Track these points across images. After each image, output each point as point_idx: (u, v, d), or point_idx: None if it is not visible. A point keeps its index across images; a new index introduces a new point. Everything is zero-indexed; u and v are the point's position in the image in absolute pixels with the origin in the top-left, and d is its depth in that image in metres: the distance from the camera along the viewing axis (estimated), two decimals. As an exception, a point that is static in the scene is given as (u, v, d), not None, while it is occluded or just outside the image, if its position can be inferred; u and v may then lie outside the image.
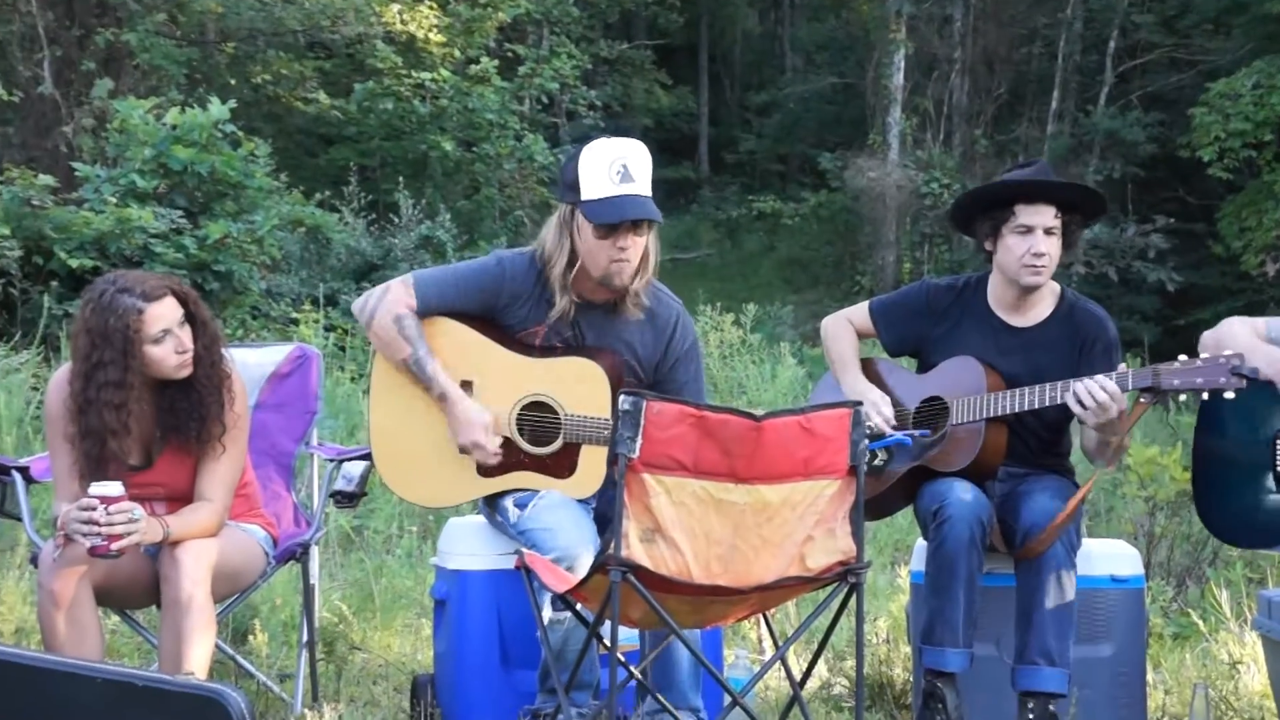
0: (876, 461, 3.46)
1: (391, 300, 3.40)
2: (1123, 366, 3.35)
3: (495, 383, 3.40)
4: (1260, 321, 3.48)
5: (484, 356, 3.41)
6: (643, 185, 3.29)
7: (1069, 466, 3.67)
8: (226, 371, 3.27)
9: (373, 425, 3.47)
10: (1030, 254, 3.49)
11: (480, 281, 3.43)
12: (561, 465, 3.36)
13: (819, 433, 2.76)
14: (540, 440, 3.38)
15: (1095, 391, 3.26)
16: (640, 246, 3.33)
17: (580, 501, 3.36)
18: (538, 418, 3.39)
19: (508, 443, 3.38)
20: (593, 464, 3.34)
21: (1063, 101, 18.40)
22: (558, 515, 3.25)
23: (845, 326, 3.73)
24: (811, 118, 21.57)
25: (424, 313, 3.40)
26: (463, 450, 3.37)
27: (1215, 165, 15.17)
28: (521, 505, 3.32)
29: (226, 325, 8.84)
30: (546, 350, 3.41)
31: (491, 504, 3.44)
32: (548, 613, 3.10)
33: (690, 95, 23.21)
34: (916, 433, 3.47)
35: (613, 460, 2.68)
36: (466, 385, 3.41)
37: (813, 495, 2.78)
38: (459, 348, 3.42)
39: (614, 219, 3.25)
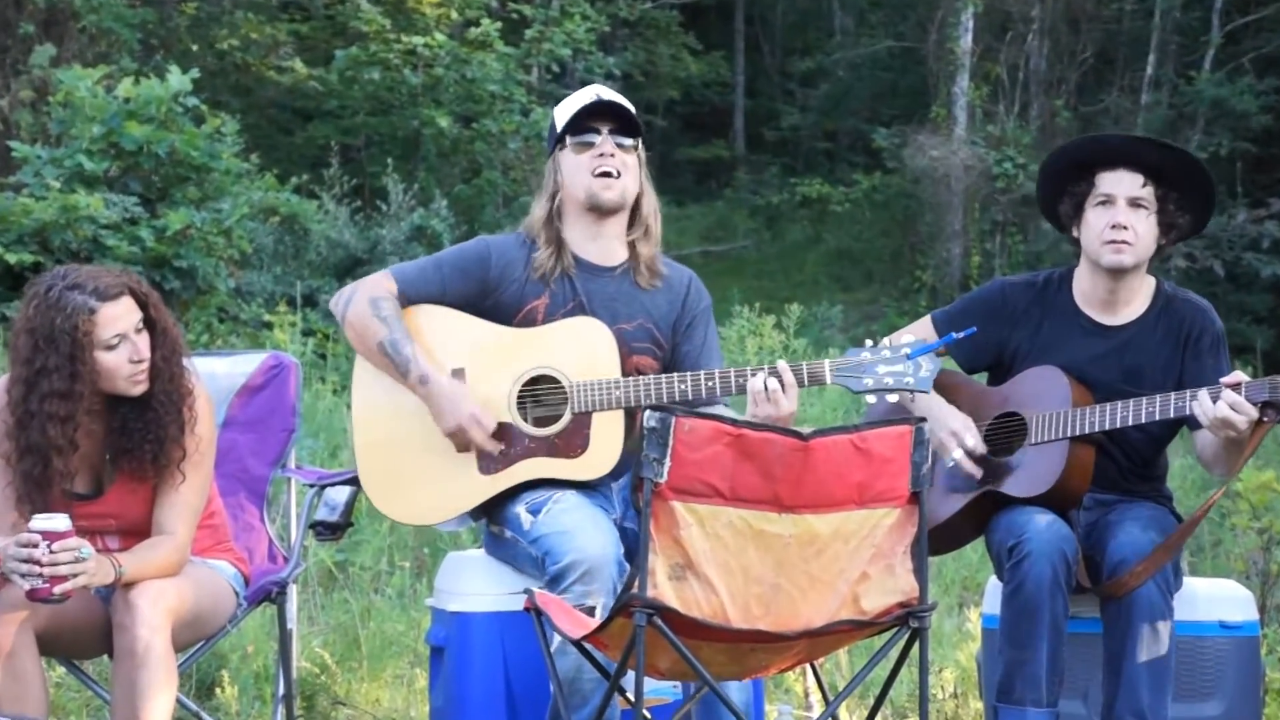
0: (923, 372, 3.28)
1: (368, 287, 3.53)
2: (1240, 375, 3.32)
3: (489, 364, 3.47)
4: None
5: (474, 338, 3.50)
6: (618, 101, 3.54)
7: (1166, 492, 3.66)
8: (189, 386, 3.29)
9: (356, 438, 3.53)
10: (1109, 226, 3.48)
11: (465, 263, 3.54)
12: (573, 444, 3.43)
13: (876, 454, 2.77)
14: (547, 419, 3.44)
15: (1217, 410, 3.23)
16: (627, 165, 3.52)
17: (603, 509, 3.41)
18: (541, 393, 3.45)
19: (511, 429, 3.44)
20: (607, 435, 3.42)
21: (1160, 66, 18.32)
22: (574, 517, 3.31)
23: None
24: (864, 87, 21.54)
25: (406, 301, 3.52)
26: (453, 435, 3.42)
27: (1340, 140, 15.07)
28: (535, 511, 3.37)
29: (189, 330, 8.89)
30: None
31: (498, 520, 3.47)
32: (556, 635, 3.11)
33: (724, 62, 23.21)
34: (963, 334, 3.43)
35: (637, 485, 2.69)
36: (458, 374, 3.47)
37: (868, 526, 2.78)
38: (447, 334, 3.51)
39: (585, 104, 3.50)
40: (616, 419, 3.42)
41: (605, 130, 3.53)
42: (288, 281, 10.96)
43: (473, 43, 14.56)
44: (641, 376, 3.43)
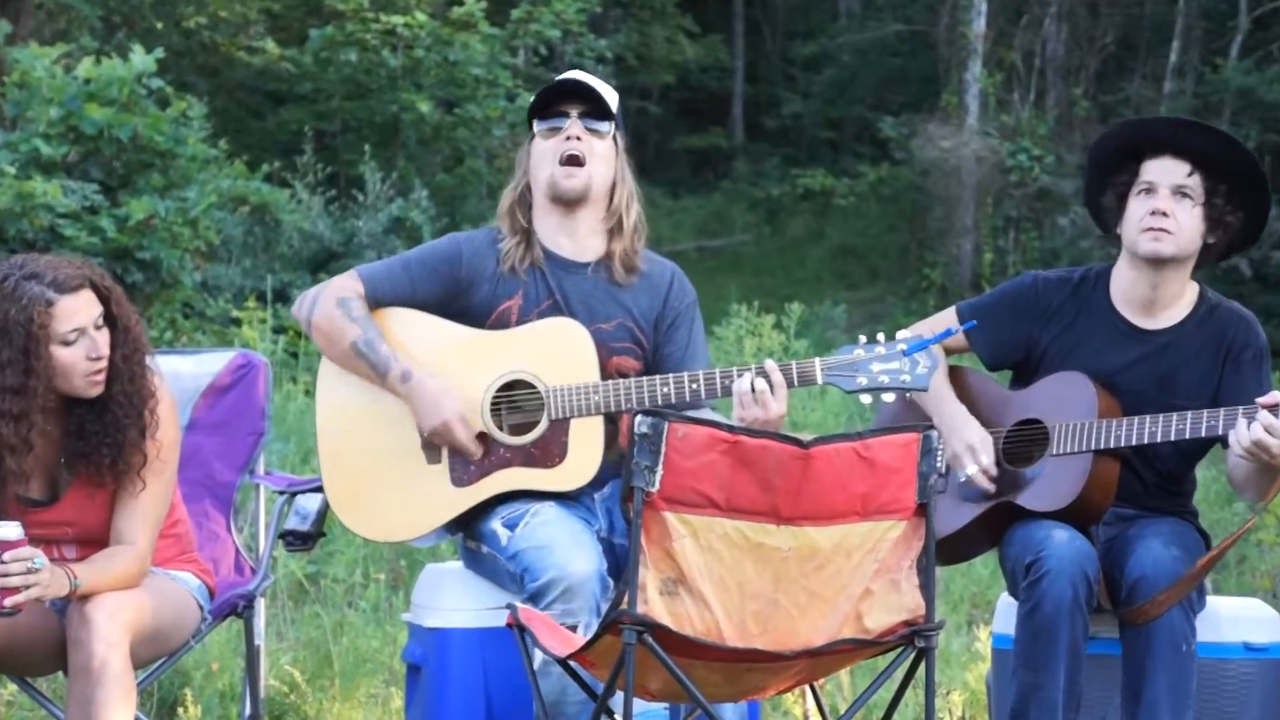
0: (921, 369, 3.27)
1: (334, 288, 3.52)
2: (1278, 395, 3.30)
3: (460, 369, 3.46)
4: None
5: (445, 342, 3.49)
6: (593, 84, 3.55)
7: (1192, 509, 3.66)
8: (150, 388, 3.28)
9: (321, 449, 3.52)
10: (1149, 213, 3.47)
11: (434, 261, 3.54)
12: (550, 452, 3.42)
13: (880, 463, 2.76)
14: (523, 427, 3.43)
15: (1259, 437, 3.23)
16: (596, 151, 3.51)
17: (584, 521, 3.41)
18: (516, 399, 3.44)
19: (484, 438, 3.44)
20: (586, 443, 3.41)
21: (1184, 53, 18.36)
22: (553, 531, 3.30)
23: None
24: (871, 74, 21.56)
25: (375, 304, 3.51)
26: (434, 435, 3.41)
27: (1374, 132, 15.10)
28: (512, 525, 3.36)
29: (153, 326, 8.88)
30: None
31: (475, 535, 3.47)
32: (538, 654, 3.11)
33: (722, 45, 23.24)
34: (963, 327, 3.41)
35: (627, 495, 2.69)
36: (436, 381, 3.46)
37: (872, 539, 2.78)
38: (416, 338, 3.50)
39: (554, 87, 3.51)
40: (596, 425, 3.41)
41: (574, 114, 3.52)
42: (258, 275, 10.96)
43: (456, 23, 14.56)
44: (621, 380, 3.41)
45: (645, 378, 3.41)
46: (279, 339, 9.25)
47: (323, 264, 11.72)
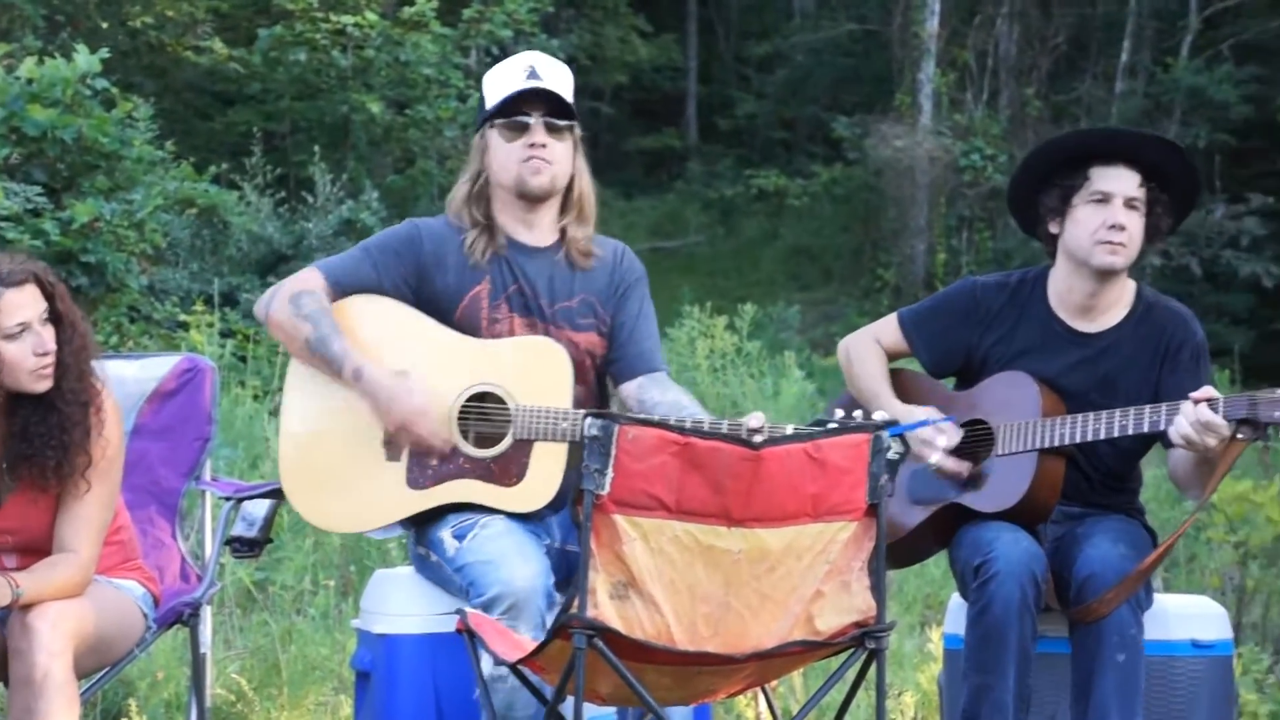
0: (891, 454, 3.36)
1: (290, 283, 3.51)
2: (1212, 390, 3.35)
3: (435, 371, 3.44)
4: None
5: (419, 338, 3.48)
6: (555, 86, 3.54)
7: (1138, 505, 3.70)
8: (96, 388, 3.26)
9: (282, 433, 3.51)
10: (1105, 226, 3.50)
11: (396, 245, 3.54)
12: (508, 470, 3.41)
13: (831, 464, 2.78)
14: (487, 440, 3.42)
15: (1190, 432, 3.26)
16: (559, 154, 3.53)
17: (534, 535, 3.40)
18: (485, 410, 3.43)
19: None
20: (545, 468, 3.40)
21: (1135, 53, 18.53)
22: (501, 545, 3.29)
23: (871, 346, 3.74)
24: (824, 73, 21.65)
25: (337, 291, 3.50)
26: (400, 431, 3.40)
27: (1323, 132, 15.26)
28: (460, 536, 3.35)
29: (98, 330, 8.81)
30: (496, 322, 3.50)
31: (425, 542, 3.46)
32: (487, 666, 3.11)
33: (676, 46, 23.27)
34: (938, 416, 3.46)
35: (577, 499, 2.69)
36: (402, 375, 3.44)
37: (823, 541, 2.79)
38: (386, 329, 3.49)
39: (516, 90, 3.49)
40: (559, 452, 3.39)
41: (537, 115, 3.52)
42: (205, 279, 10.88)
43: (407, 23, 14.51)
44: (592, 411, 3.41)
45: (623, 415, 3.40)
46: (227, 343, 9.20)
47: (272, 267, 11.65)
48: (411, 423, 3.38)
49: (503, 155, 3.53)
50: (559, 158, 3.54)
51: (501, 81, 3.57)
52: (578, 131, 3.60)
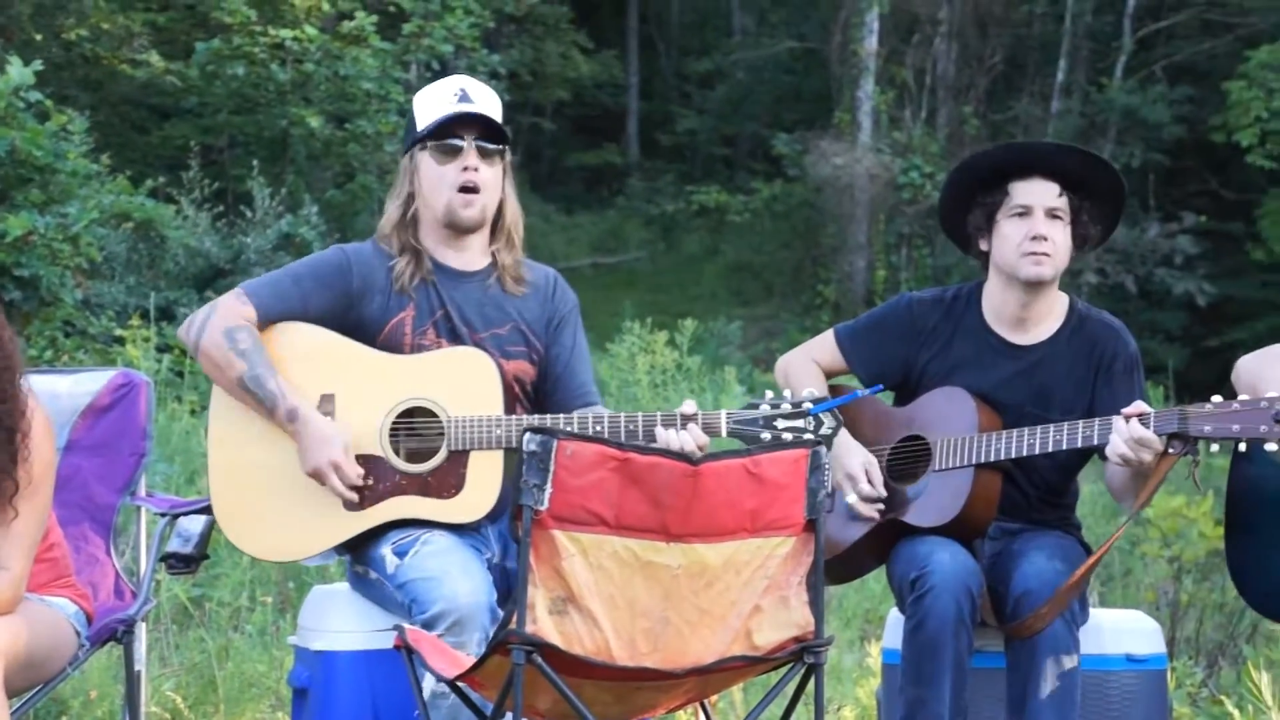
0: (824, 430, 3.36)
1: (222, 314, 3.47)
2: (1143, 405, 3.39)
3: (362, 391, 3.43)
4: None
5: (346, 361, 3.47)
6: (485, 110, 3.55)
7: (1074, 521, 3.73)
8: (22, 408, 3.21)
9: (211, 464, 3.47)
10: (1028, 238, 3.54)
11: (325, 274, 3.52)
12: (446, 483, 3.40)
13: (769, 479, 2.79)
14: (421, 455, 3.41)
15: (1123, 448, 3.30)
16: (490, 180, 3.53)
17: (475, 550, 3.39)
18: (416, 426, 3.42)
19: (380, 463, 3.41)
20: (483, 476, 3.39)
21: (1071, 73, 18.75)
22: (443, 562, 3.27)
23: (808, 364, 3.76)
24: (764, 90, 21.77)
25: (265, 323, 3.47)
26: (315, 476, 3.39)
27: (1255, 151, 15.52)
28: (401, 553, 3.34)
29: (32, 344, 8.72)
30: (420, 348, 3.49)
31: (363, 560, 3.44)
32: (428, 685, 3.10)
33: (617, 62, 23.32)
34: (868, 391, 3.49)
35: (516, 514, 2.69)
36: (328, 399, 3.44)
37: (761, 556, 2.80)
38: (314, 355, 3.47)
39: (447, 116, 3.49)
40: (495, 459, 3.39)
41: (469, 138, 3.51)
42: (142, 293, 10.79)
43: (346, 37, 14.47)
44: (525, 416, 3.43)
45: (549, 416, 3.42)
46: (164, 358, 9.12)
47: (209, 281, 11.57)
48: (324, 474, 3.37)
49: (434, 178, 3.52)
50: (489, 184, 3.53)
51: (432, 104, 3.56)
52: (509, 155, 3.60)
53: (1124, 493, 3.53)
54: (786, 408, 3.34)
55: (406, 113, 13.77)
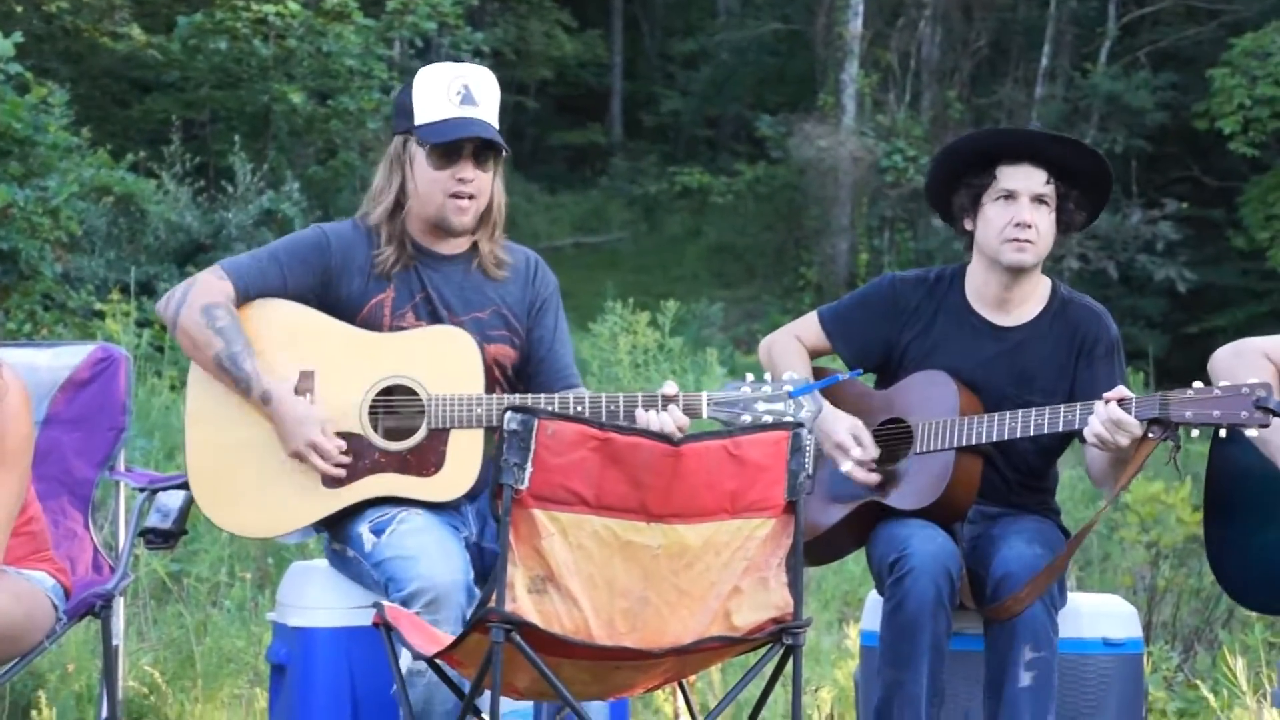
0: (804, 413, 3.38)
1: (200, 290, 3.45)
2: (1124, 390, 3.40)
3: (341, 367, 3.42)
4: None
5: (325, 338, 3.45)
6: (487, 111, 3.48)
7: (1054, 506, 3.74)
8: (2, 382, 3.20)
9: (189, 440, 3.46)
10: (1012, 224, 3.55)
11: (303, 252, 3.50)
12: (426, 461, 3.40)
13: (750, 461, 2.79)
14: (400, 433, 3.41)
15: (1102, 431, 3.31)
16: (484, 186, 3.49)
17: (453, 528, 3.39)
18: (395, 404, 3.41)
19: (360, 440, 3.40)
20: (464, 454, 3.39)
21: (1055, 58, 18.76)
22: (420, 540, 3.27)
23: (793, 343, 3.77)
24: (748, 72, 21.73)
25: (244, 300, 3.46)
26: (295, 456, 3.38)
27: (1238, 139, 15.55)
28: (379, 531, 3.34)
29: (10, 319, 8.69)
30: (399, 329, 3.48)
31: (341, 538, 3.44)
32: (406, 661, 3.10)
33: (601, 41, 23.27)
34: (848, 374, 3.50)
35: (496, 493, 2.69)
36: (307, 376, 3.43)
37: (741, 537, 2.81)
38: (294, 331, 3.46)
39: (453, 137, 3.42)
40: (475, 438, 3.39)
41: (468, 146, 3.44)
42: (122, 267, 10.75)
43: (329, 13, 14.40)
44: (506, 396, 3.42)
45: (530, 395, 3.42)
46: (143, 332, 9.09)
47: (190, 256, 11.53)
48: (303, 454, 3.37)
49: (428, 181, 3.47)
50: (483, 191, 3.49)
51: (433, 97, 3.47)
52: (503, 155, 3.54)
53: (1103, 478, 3.54)
54: (767, 389, 3.35)
55: (390, 89, 13.62)
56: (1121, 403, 3.33)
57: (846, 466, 3.56)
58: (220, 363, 3.40)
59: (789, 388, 3.34)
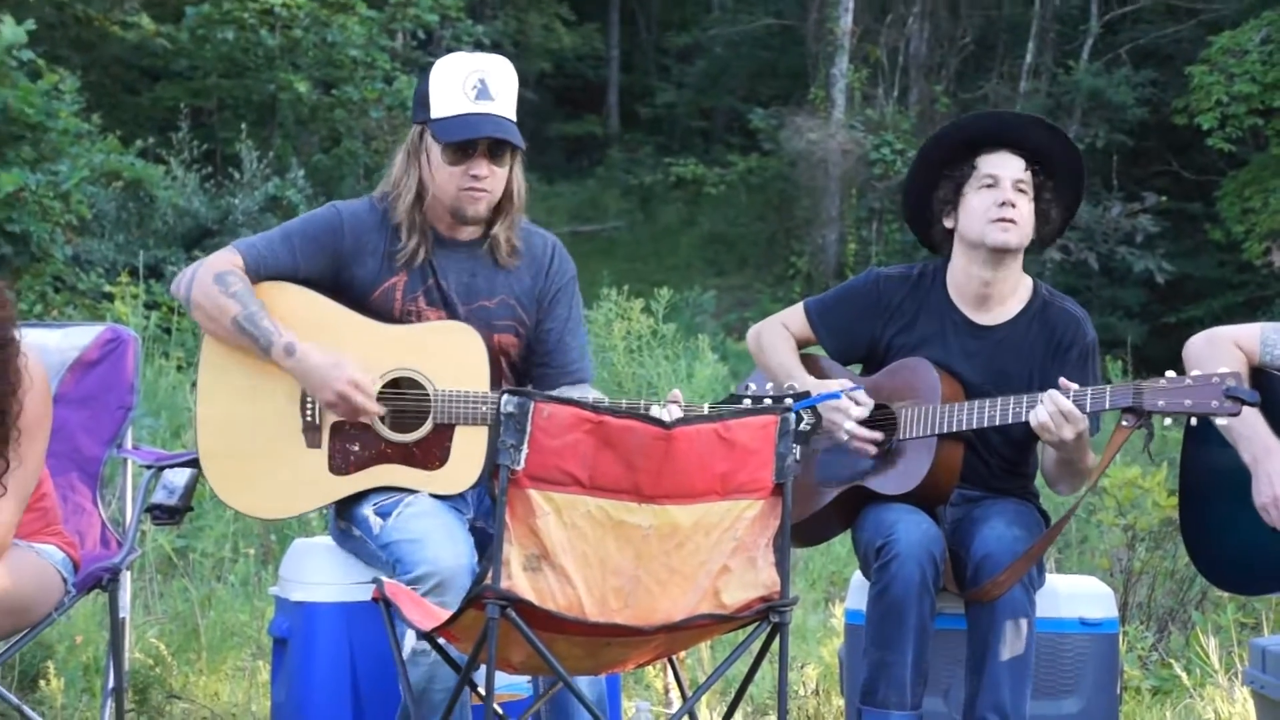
0: (802, 425, 3.34)
1: (212, 262, 3.43)
2: (1098, 389, 3.39)
3: (350, 356, 3.38)
4: (1252, 331, 3.54)
5: (334, 325, 3.42)
6: (503, 106, 3.41)
7: (1033, 490, 3.75)
8: (19, 364, 3.19)
9: (200, 419, 3.44)
10: (996, 204, 3.54)
11: (316, 232, 3.46)
12: (431, 454, 3.38)
13: (740, 443, 2.79)
14: (406, 425, 3.39)
15: (1046, 419, 3.31)
16: (500, 179, 3.43)
17: (457, 511, 3.38)
18: (402, 396, 3.40)
19: (365, 430, 3.38)
20: (468, 450, 3.36)
21: (1039, 55, 18.73)
22: (426, 524, 3.26)
23: (781, 331, 3.76)
24: (742, 66, 21.69)
25: (255, 277, 3.42)
26: (334, 407, 3.34)
27: (1216, 134, 15.51)
28: (384, 514, 3.32)
29: (22, 299, 8.69)
30: (409, 314, 3.44)
31: (346, 517, 3.43)
32: (409, 642, 3.10)
33: (598, 35, 23.21)
34: (849, 385, 3.49)
35: (493, 473, 2.69)
36: (330, 352, 3.38)
37: (731, 518, 2.81)
38: (302, 316, 3.42)
39: (464, 136, 3.36)
40: (480, 435, 3.36)
41: (482, 143, 3.38)
42: (131, 251, 10.75)
43: (334, 4, 14.38)
44: None
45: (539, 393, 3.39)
46: (151, 314, 9.09)
47: (197, 241, 11.52)
48: (347, 394, 3.31)
49: (444, 176, 3.41)
50: (498, 184, 3.43)
51: (449, 89, 3.40)
52: (520, 148, 3.46)
53: (1054, 479, 3.56)
54: (767, 403, 3.31)
55: (393, 80, 13.59)
56: (1073, 394, 3.32)
57: (849, 426, 3.53)
58: (240, 324, 3.36)
59: (790, 402, 3.30)
